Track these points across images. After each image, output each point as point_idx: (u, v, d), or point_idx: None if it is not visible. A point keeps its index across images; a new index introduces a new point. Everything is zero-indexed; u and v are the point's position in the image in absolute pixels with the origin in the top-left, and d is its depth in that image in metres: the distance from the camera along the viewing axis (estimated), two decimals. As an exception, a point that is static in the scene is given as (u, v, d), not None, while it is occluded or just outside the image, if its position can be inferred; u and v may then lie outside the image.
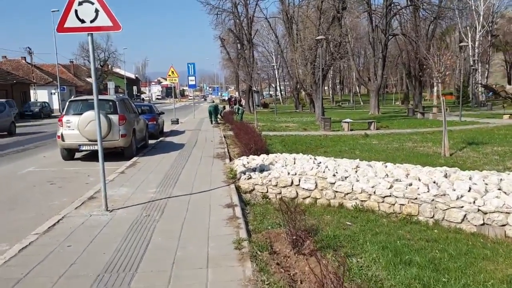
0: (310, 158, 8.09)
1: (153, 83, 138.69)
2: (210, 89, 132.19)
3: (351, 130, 20.03)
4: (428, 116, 28.78)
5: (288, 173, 6.91)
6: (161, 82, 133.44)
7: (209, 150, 12.68)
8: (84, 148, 10.70)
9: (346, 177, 6.54)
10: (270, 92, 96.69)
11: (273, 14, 48.74)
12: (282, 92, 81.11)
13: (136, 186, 7.41)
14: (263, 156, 9.01)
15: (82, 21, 5.37)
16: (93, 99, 11.52)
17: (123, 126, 10.81)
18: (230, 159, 10.46)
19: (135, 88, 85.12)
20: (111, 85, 66.95)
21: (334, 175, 6.60)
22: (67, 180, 8.67)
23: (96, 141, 11.00)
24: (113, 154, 11.45)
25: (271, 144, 14.16)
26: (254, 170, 7.65)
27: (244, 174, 7.41)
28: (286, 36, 55.45)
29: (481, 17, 48.54)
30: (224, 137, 16.85)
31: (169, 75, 26.63)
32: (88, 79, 67.32)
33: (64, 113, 10.90)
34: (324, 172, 6.79)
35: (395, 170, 6.86)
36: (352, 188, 6.25)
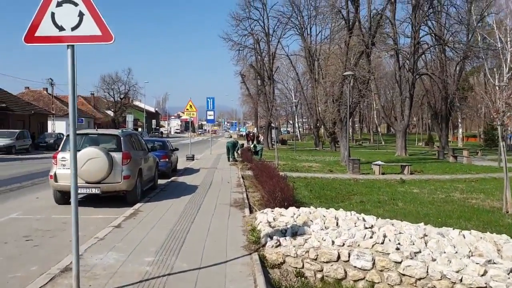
0: (358, 218, 6.26)
1: (172, 117, 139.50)
2: (228, 124, 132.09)
3: (383, 173, 18.13)
4: (462, 160, 26.61)
5: (333, 242, 5.12)
6: (181, 116, 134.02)
7: (225, 194, 10.98)
8: (80, 191, 9.07)
9: (415, 253, 4.70)
10: (288, 129, 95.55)
11: (293, 52, 48.14)
12: (299, 129, 79.77)
13: (130, 250, 5.69)
14: (292, 210, 7.23)
15: (61, 28, 3.87)
16: (95, 134, 10.19)
17: (127, 166, 9.24)
18: (251, 210, 8.70)
19: (154, 121, 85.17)
20: (129, 118, 66.83)
21: (397, 249, 4.78)
22: (49, 234, 7.02)
23: (96, 183, 9.61)
24: (113, 199, 9.84)
25: (296, 188, 12.37)
26: (283, 232, 5.88)
27: (271, 238, 5.65)
28: (306, 73, 54.92)
29: (508, 59, 46.90)
30: (242, 177, 15.17)
31: (187, 109, 25.44)
32: (108, 112, 67.40)
33: (60, 149, 9.42)
34: (383, 243, 4.97)
35: (481, 244, 4.98)
36: (427, 272, 4.41)
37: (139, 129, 70.88)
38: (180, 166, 19.11)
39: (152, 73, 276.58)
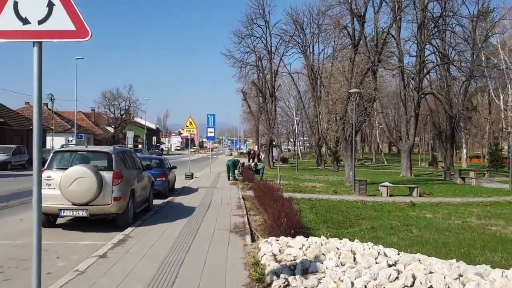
0: (378, 252, 5.43)
1: (173, 134, 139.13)
2: (228, 141, 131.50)
3: (391, 195, 17.27)
4: (470, 182, 25.72)
5: (352, 284, 4.29)
6: (181, 133, 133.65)
7: (224, 218, 10.14)
8: (65, 213, 8.29)
9: (454, 302, 3.87)
10: (288, 147, 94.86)
11: (295, 70, 47.70)
12: (300, 147, 79.08)
13: (113, 288, 4.85)
14: (300, 240, 6.40)
15: (25, 22, 3.14)
16: (84, 151, 9.41)
17: (118, 186, 8.44)
18: (252, 238, 7.86)
19: (154, 138, 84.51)
20: (130, 135, 66.08)
21: (431, 296, 3.96)
22: (25, 264, 6.17)
23: (83, 204, 8.78)
24: (103, 222, 9.01)
25: (301, 211, 11.51)
26: (292, 269, 5.05)
27: (277, 276, 4.82)
28: (308, 91, 54.50)
29: (512, 78, 46.42)
30: (243, 198, 14.35)
31: (187, 126, 24.76)
32: (108, 128, 66.84)
33: (45, 166, 8.63)
34: (412, 286, 4.15)
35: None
36: (472, 327, 3.57)
37: (139, 146, 70.17)
38: (178, 185, 18.28)
39: (154, 89, 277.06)
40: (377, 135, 78.49)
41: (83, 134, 52.90)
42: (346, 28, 20.74)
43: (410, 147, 31.72)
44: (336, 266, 4.98)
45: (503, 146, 53.38)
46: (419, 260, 5.04)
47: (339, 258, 5.34)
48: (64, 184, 8.02)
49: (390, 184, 18.16)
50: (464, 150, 61.42)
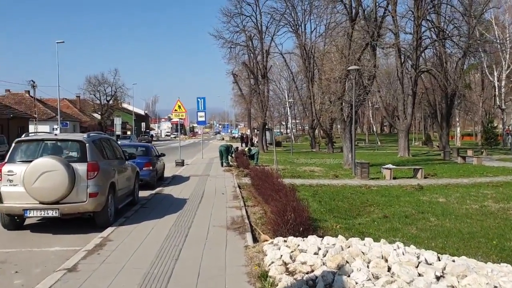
0: (417, 255, 4.31)
1: (163, 119, 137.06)
2: (220, 126, 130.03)
3: (394, 178, 16.27)
4: (471, 161, 24.84)
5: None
6: (171, 119, 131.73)
7: (220, 211, 9.00)
8: (31, 214, 7.04)
9: None
10: (281, 130, 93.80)
11: (286, 51, 46.26)
12: (293, 130, 77.98)
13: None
14: (314, 241, 5.28)
15: None
16: (53, 139, 8.10)
17: (94, 180, 7.20)
18: (254, 236, 6.73)
19: (143, 124, 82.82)
20: (117, 121, 64.34)
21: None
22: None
23: (53, 203, 7.40)
24: (79, 220, 7.81)
25: (302, 200, 10.42)
26: (310, 285, 3.92)
27: (294, 296, 3.68)
28: (300, 72, 53.10)
29: (507, 56, 45.56)
30: (239, 186, 13.22)
31: (175, 110, 23.35)
32: (94, 115, 64.94)
33: (6, 159, 7.34)
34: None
35: None
36: None
37: (128, 132, 68.51)
38: (168, 173, 17.08)
39: (141, 74, 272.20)
40: (370, 116, 77.72)
41: (68, 122, 51.17)
42: (342, 1, 19.34)
43: (407, 126, 30.74)
44: (368, 280, 3.86)
45: (498, 124, 52.79)
46: (473, 268, 3.93)
47: (368, 267, 4.21)
48: (29, 180, 6.77)
49: (394, 166, 17.15)
50: (458, 128, 60.90)
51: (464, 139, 67.26)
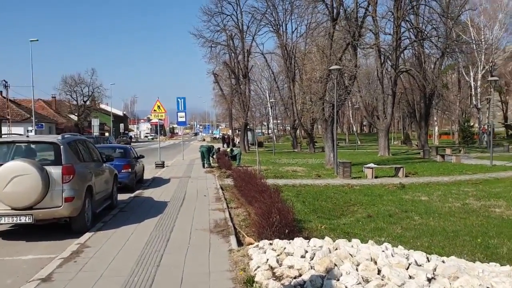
0: (407, 258, 4.20)
1: (142, 120, 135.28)
2: (201, 127, 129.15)
3: (376, 177, 16.33)
4: (450, 159, 25.23)
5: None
6: (150, 120, 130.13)
7: (202, 213, 8.77)
8: (3, 220, 6.65)
9: None
10: (263, 130, 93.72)
11: (267, 51, 46.05)
12: (275, 131, 77.98)
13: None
14: (300, 243, 5.13)
15: None
16: (25, 142, 7.70)
17: (70, 184, 6.88)
18: (238, 240, 6.54)
19: (122, 125, 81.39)
20: (95, 122, 63.01)
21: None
22: None
23: (26, 208, 6.33)
24: (55, 226, 7.46)
25: (286, 200, 10.28)
26: (300, 291, 3.76)
27: (283, 304, 3.51)
28: (281, 73, 53.07)
29: (483, 56, 46.67)
30: (221, 188, 12.99)
31: (154, 110, 22.92)
32: (71, 116, 63.47)
33: (-26, 163, 6.94)
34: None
35: None
36: None
37: (106, 134, 67.27)
38: (148, 175, 16.71)
39: (119, 74, 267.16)
40: (350, 116, 78.45)
41: (43, 123, 49.84)
42: (323, 1, 19.33)
43: (387, 126, 31.04)
44: (358, 283, 3.72)
45: (474, 122, 53.99)
46: (464, 269, 3.84)
47: (357, 270, 4.08)
48: (0, 184, 6.41)
49: (375, 166, 17.20)
50: (436, 127, 62.05)
51: (442, 138, 68.56)
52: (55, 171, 6.78)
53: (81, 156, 7.77)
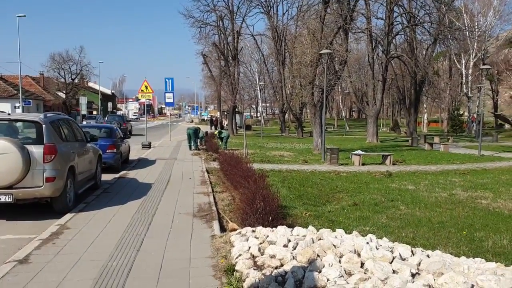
0: (391, 251, 4.16)
1: (130, 100, 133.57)
2: (189, 108, 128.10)
3: (363, 164, 16.36)
4: (438, 147, 25.43)
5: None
6: (139, 99, 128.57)
7: (186, 197, 8.67)
8: (-20, 200, 6.49)
9: None
10: (251, 114, 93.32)
11: (258, 33, 45.51)
12: (263, 114, 77.71)
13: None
14: (283, 232, 5.07)
15: None
16: (6, 120, 7.45)
17: (51, 164, 6.70)
18: (221, 225, 6.47)
19: (110, 104, 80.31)
20: (83, 100, 62.12)
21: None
22: None
23: (6, 188, 6.00)
24: (36, 207, 7.30)
25: (272, 185, 10.23)
26: (279, 281, 3.70)
27: (263, 293, 3.45)
28: (271, 55, 52.52)
29: (476, 44, 46.62)
30: (207, 171, 12.88)
31: (142, 90, 22.55)
32: (59, 93, 62.29)
33: None
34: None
35: None
36: None
37: (94, 112, 66.34)
38: (134, 155, 16.53)
39: (108, 53, 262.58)
40: (340, 101, 78.45)
41: (31, 100, 48.86)
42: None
43: (377, 112, 31.11)
44: (340, 276, 3.67)
45: (464, 111, 54.33)
46: (449, 265, 3.81)
47: (340, 262, 4.03)
48: (-23, 163, 6.20)
49: (363, 152, 17.23)
50: (425, 115, 62.31)
51: (430, 125, 69.05)
52: (36, 151, 6.59)
53: (64, 136, 7.57)
